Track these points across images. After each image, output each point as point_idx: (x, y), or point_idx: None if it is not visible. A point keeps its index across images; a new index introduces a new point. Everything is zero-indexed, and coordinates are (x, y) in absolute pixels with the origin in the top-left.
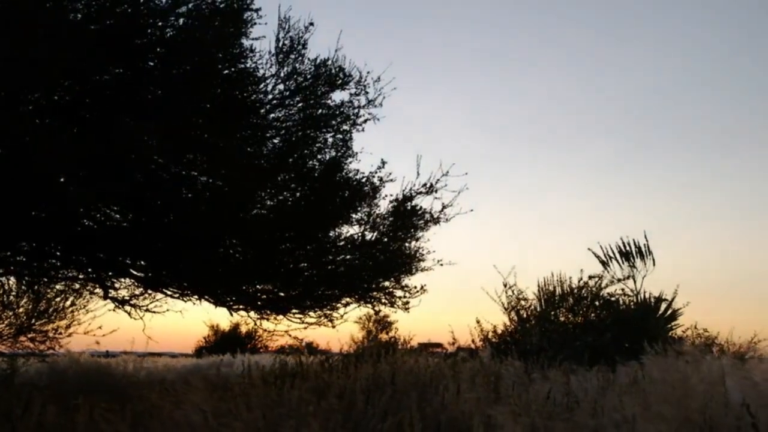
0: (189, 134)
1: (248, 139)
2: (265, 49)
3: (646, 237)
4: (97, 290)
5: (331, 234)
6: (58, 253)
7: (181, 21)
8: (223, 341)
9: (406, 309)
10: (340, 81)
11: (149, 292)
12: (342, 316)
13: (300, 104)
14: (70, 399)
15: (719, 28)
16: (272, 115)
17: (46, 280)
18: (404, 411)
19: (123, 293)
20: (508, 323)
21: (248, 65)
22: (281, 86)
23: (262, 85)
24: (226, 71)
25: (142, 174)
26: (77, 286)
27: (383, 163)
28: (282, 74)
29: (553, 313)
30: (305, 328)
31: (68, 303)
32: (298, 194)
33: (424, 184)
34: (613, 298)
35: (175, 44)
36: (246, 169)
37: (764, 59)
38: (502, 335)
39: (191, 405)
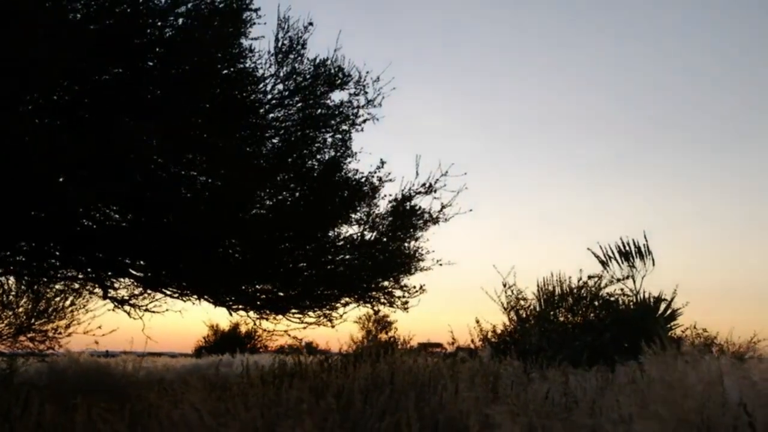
0: (188, 134)
1: (247, 139)
2: (265, 49)
3: (645, 237)
4: (97, 290)
5: (330, 234)
6: (57, 253)
7: (180, 21)
8: (223, 341)
9: (406, 309)
10: (339, 81)
11: (149, 291)
12: (341, 316)
13: (299, 104)
14: (69, 399)
15: (720, 27)
16: (271, 115)
17: (45, 279)
18: (402, 411)
19: (122, 293)
20: (507, 323)
21: (247, 65)
22: (280, 86)
23: (261, 85)
24: (226, 71)
25: (141, 174)
26: (77, 285)
27: (382, 163)
28: (281, 74)
29: (552, 313)
30: (304, 328)
31: (68, 303)
32: (297, 194)
33: (424, 184)
34: (612, 298)
35: (174, 44)
36: (245, 168)
37: (766, 58)
38: (501, 335)
39: (189, 405)
